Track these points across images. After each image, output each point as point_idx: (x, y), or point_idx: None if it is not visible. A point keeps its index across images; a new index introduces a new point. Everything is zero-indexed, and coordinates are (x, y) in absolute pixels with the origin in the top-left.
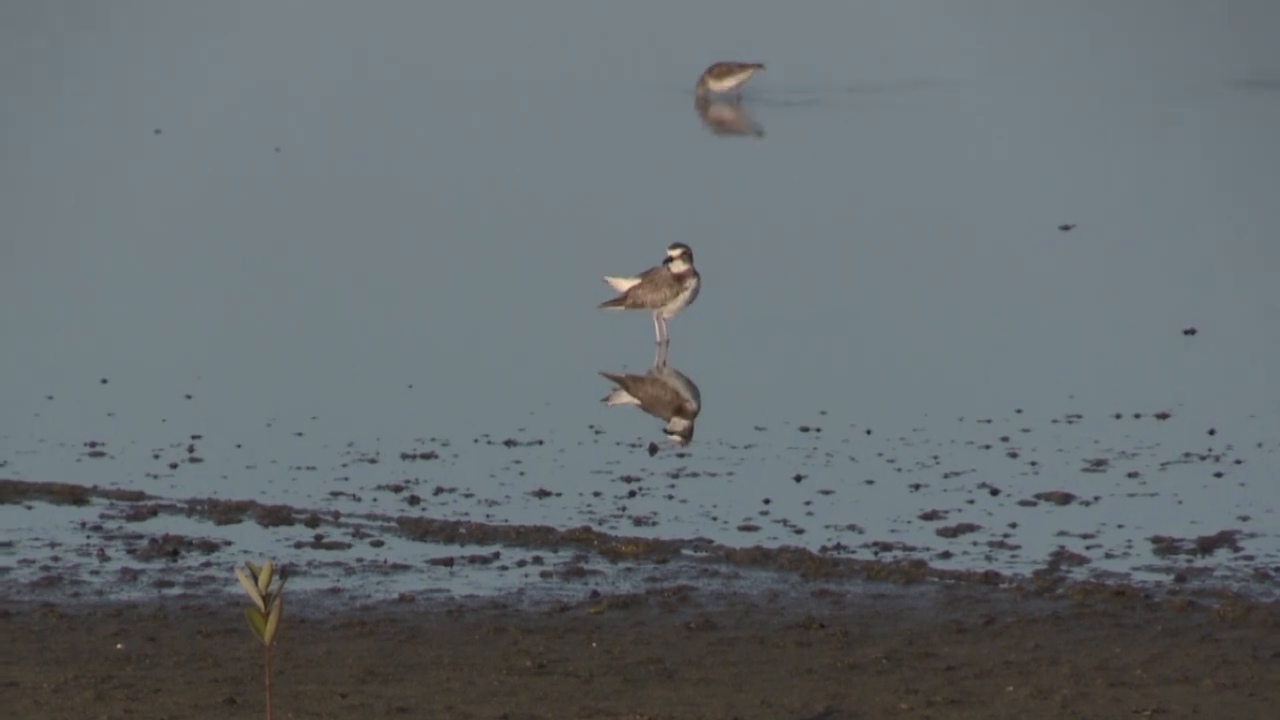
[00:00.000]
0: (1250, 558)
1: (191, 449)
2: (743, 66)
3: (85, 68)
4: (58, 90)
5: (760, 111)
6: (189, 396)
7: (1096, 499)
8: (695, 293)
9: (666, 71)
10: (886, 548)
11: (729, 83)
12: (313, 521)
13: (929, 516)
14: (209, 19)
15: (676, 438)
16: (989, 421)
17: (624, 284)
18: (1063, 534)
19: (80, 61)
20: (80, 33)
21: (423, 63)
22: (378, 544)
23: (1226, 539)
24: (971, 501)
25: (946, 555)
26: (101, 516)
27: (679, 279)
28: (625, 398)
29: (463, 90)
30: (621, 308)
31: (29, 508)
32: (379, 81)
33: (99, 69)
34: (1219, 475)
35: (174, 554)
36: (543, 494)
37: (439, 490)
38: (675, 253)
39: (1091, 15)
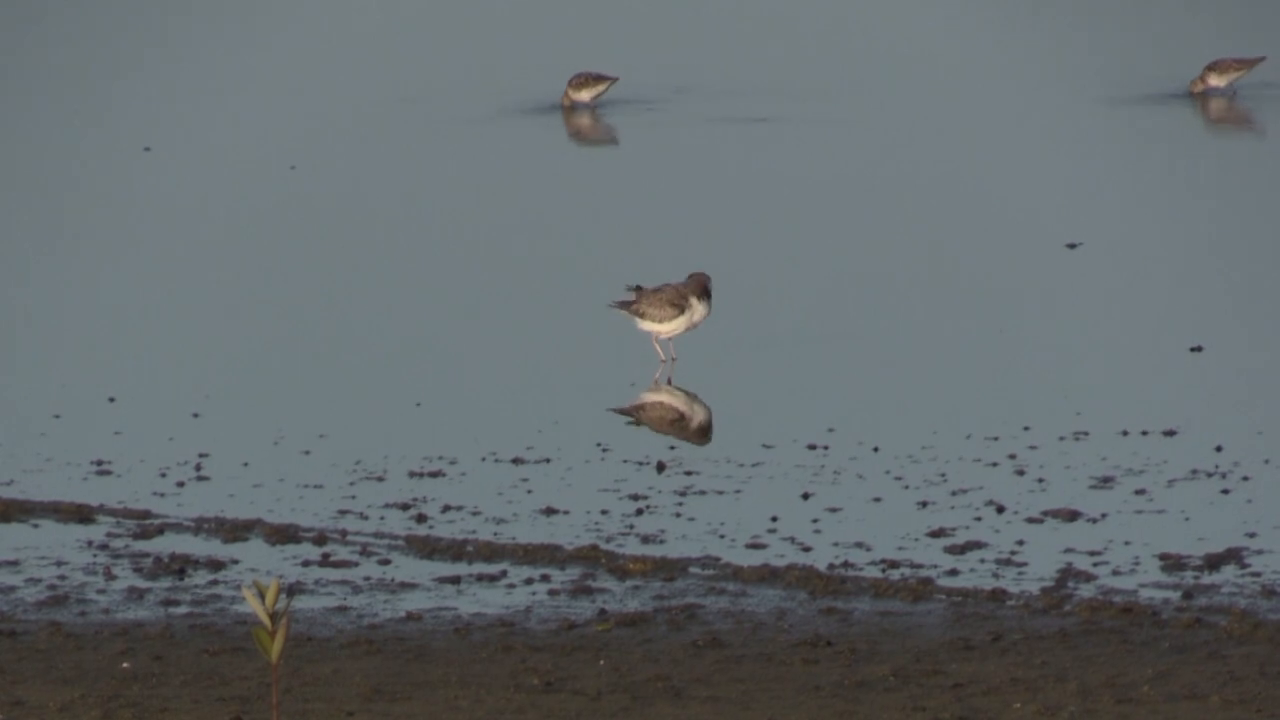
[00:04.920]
0: (1258, 574)
1: (199, 467)
2: (600, 78)
3: (91, 84)
4: (64, 106)
5: (764, 122)
6: (196, 415)
7: (1104, 516)
8: (695, 322)
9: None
10: (894, 565)
11: (586, 94)
12: (320, 540)
13: (936, 534)
14: (203, 34)
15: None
16: (996, 439)
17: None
18: (1070, 551)
19: (82, 79)
20: (73, 48)
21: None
22: (385, 562)
23: (1234, 556)
24: (979, 519)
25: (954, 573)
26: (108, 535)
27: (683, 303)
28: (651, 397)
29: (453, 107)
30: (626, 312)
31: (35, 526)
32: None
33: (100, 87)
34: (1226, 492)
35: (181, 572)
36: (550, 512)
37: (446, 508)
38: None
39: (1074, 18)
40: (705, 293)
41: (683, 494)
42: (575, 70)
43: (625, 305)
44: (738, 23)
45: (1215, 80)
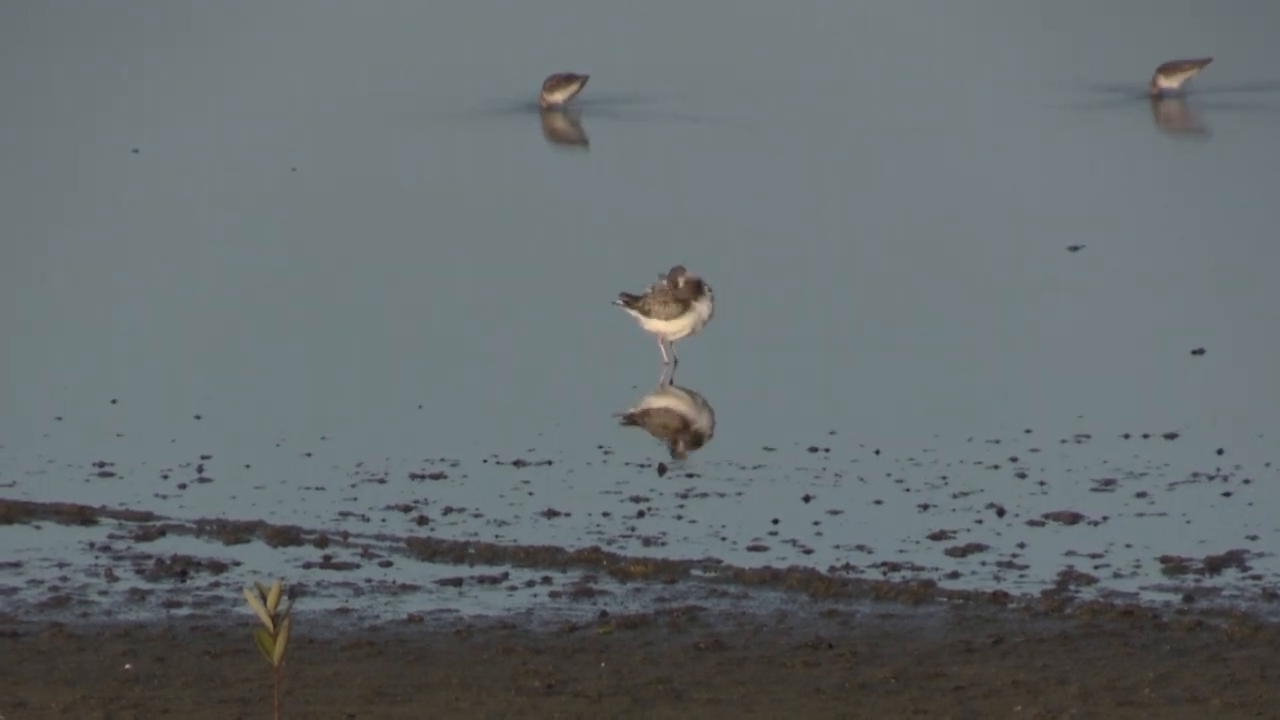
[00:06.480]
0: (1258, 577)
1: (200, 469)
2: (572, 78)
3: (79, 86)
4: (61, 110)
5: (753, 123)
6: (198, 417)
7: (1105, 519)
8: (703, 319)
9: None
10: (895, 568)
11: (560, 95)
12: (321, 542)
13: (937, 536)
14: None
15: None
16: (998, 442)
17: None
18: (1071, 554)
19: (73, 81)
20: (73, 51)
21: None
22: (386, 564)
23: (1235, 558)
24: (980, 521)
25: (955, 575)
26: (110, 537)
27: (686, 301)
28: (651, 402)
29: (447, 110)
30: (632, 311)
31: (38, 528)
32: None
33: (88, 88)
34: (1227, 495)
35: (182, 574)
36: (551, 514)
37: (448, 510)
38: (683, 278)
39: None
40: (696, 287)
41: (684, 496)
42: (550, 71)
43: (630, 303)
44: (726, 23)
45: (1165, 82)
